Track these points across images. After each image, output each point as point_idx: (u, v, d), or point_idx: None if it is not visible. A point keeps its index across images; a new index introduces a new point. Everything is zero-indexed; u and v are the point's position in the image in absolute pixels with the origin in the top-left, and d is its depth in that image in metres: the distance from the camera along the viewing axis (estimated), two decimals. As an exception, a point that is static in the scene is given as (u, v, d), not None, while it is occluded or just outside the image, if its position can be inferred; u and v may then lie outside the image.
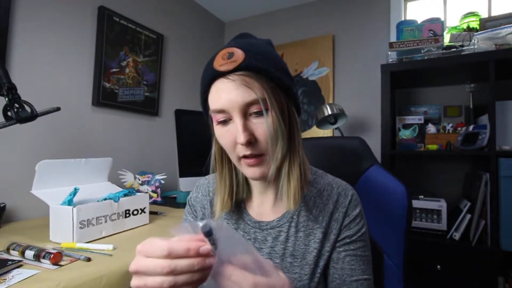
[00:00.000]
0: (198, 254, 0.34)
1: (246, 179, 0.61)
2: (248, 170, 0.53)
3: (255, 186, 0.61)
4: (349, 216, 0.56)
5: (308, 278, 0.54)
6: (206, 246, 0.34)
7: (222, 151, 0.57)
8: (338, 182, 0.60)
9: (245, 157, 0.51)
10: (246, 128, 0.49)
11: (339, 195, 0.58)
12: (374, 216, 0.83)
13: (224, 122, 0.51)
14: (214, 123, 0.53)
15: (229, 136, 0.51)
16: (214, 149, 0.58)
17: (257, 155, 0.51)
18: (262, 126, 0.50)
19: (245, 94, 0.48)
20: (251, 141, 0.49)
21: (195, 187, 0.69)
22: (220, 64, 0.48)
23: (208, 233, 0.33)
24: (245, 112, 0.49)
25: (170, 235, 0.36)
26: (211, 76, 0.50)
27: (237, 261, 0.37)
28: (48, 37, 1.34)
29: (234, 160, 0.54)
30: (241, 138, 0.48)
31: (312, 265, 0.54)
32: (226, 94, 0.48)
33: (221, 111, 0.50)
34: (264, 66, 0.49)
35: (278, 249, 0.56)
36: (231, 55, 0.48)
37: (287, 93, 0.53)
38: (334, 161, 0.92)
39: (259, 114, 0.50)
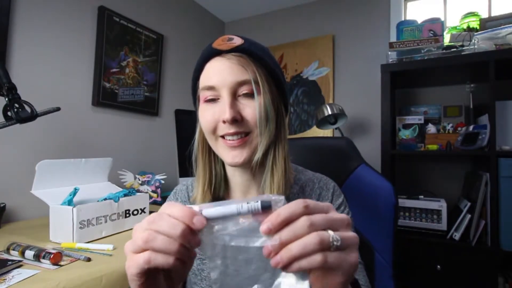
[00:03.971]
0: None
1: (225, 176, 0.58)
2: (229, 154, 0.50)
3: (236, 184, 0.58)
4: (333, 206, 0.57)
5: None
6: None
7: (204, 140, 0.56)
8: (318, 177, 0.61)
9: (225, 138, 0.50)
10: (233, 105, 0.49)
11: (321, 189, 0.59)
12: (364, 213, 0.84)
13: (211, 101, 0.51)
14: (201, 103, 0.53)
15: (212, 114, 0.50)
16: (197, 135, 0.57)
17: (241, 134, 0.50)
18: (251, 106, 0.50)
19: (238, 73, 0.49)
20: (237, 119, 0.48)
21: (172, 193, 0.65)
22: (218, 44, 0.50)
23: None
24: (235, 92, 0.50)
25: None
26: (208, 54, 0.51)
27: None
28: (48, 37, 1.34)
29: (212, 143, 0.53)
30: (227, 114, 0.47)
31: None
32: (218, 71, 0.50)
33: (210, 88, 0.50)
34: (260, 54, 0.51)
35: None
36: (230, 39, 0.51)
37: (278, 88, 0.54)
38: (322, 161, 0.94)
39: (248, 95, 0.50)
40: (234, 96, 0.50)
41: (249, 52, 0.51)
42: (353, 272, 0.30)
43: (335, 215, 0.30)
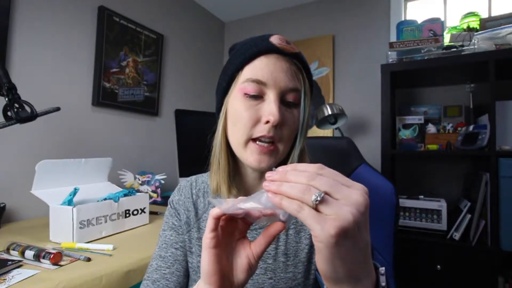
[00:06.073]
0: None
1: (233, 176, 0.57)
2: (255, 157, 0.49)
3: (243, 181, 0.57)
4: None
5: (303, 276, 0.53)
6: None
7: (224, 133, 0.53)
8: None
9: (258, 140, 0.48)
10: (281, 108, 0.48)
11: None
12: None
13: (253, 97, 0.49)
14: (238, 94, 0.50)
15: (253, 111, 0.48)
16: (221, 127, 0.53)
17: (271, 143, 0.49)
18: (292, 115, 0.50)
19: (291, 79, 0.49)
20: (279, 124, 0.48)
21: (176, 189, 0.65)
22: (279, 43, 0.49)
23: None
24: (283, 96, 0.49)
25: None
26: (267, 48, 0.49)
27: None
28: (48, 37, 1.34)
29: (240, 141, 0.50)
30: (276, 115, 0.46)
31: (305, 262, 0.54)
32: (274, 70, 0.48)
33: (260, 83, 0.48)
34: (309, 66, 0.53)
35: (269, 249, 0.55)
36: (288, 42, 0.50)
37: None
38: (323, 161, 0.93)
39: (292, 104, 0.50)
40: (280, 100, 0.49)
41: (302, 62, 0.51)
42: (330, 250, 0.27)
43: (346, 189, 0.28)
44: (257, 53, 0.49)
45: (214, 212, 0.35)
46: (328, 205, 0.27)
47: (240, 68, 0.50)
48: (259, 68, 0.48)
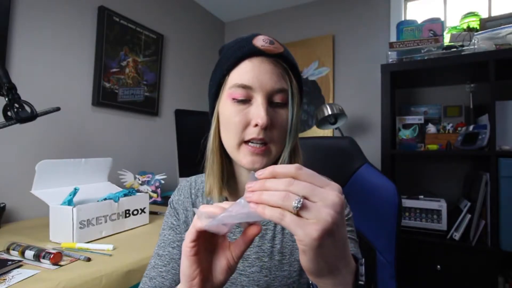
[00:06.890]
0: None
1: (232, 173, 0.58)
2: (248, 158, 0.50)
3: (241, 182, 0.58)
4: None
5: (298, 275, 0.54)
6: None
7: (219, 137, 0.54)
8: None
9: (250, 142, 0.49)
10: (269, 111, 0.49)
11: None
12: (366, 213, 0.84)
13: (241, 102, 0.50)
14: (227, 99, 0.51)
15: (243, 115, 0.49)
16: (212, 132, 0.54)
17: (263, 144, 0.50)
18: (282, 116, 0.51)
19: (277, 80, 0.49)
20: (268, 126, 0.48)
21: (176, 190, 0.66)
22: (262, 44, 0.49)
23: None
24: (270, 97, 0.50)
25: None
26: (250, 51, 0.49)
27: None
28: (48, 37, 1.34)
29: (233, 144, 0.51)
30: (263, 119, 0.47)
31: None
32: (259, 73, 0.49)
33: (245, 87, 0.49)
34: (296, 64, 0.53)
35: (265, 248, 0.56)
36: (272, 42, 0.50)
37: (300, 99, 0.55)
38: (325, 161, 0.93)
39: (280, 105, 0.51)
40: (268, 102, 0.50)
41: (288, 61, 0.51)
42: (314, 251, 0.28)
43: (323, 191, 0.29)
44: (241, 58, 0.50)
45: (198, 225, 0.35)
46: (308, 209, 0.28)
47: (226, 73, 0.51)
48: (244, 73, 0.49)
